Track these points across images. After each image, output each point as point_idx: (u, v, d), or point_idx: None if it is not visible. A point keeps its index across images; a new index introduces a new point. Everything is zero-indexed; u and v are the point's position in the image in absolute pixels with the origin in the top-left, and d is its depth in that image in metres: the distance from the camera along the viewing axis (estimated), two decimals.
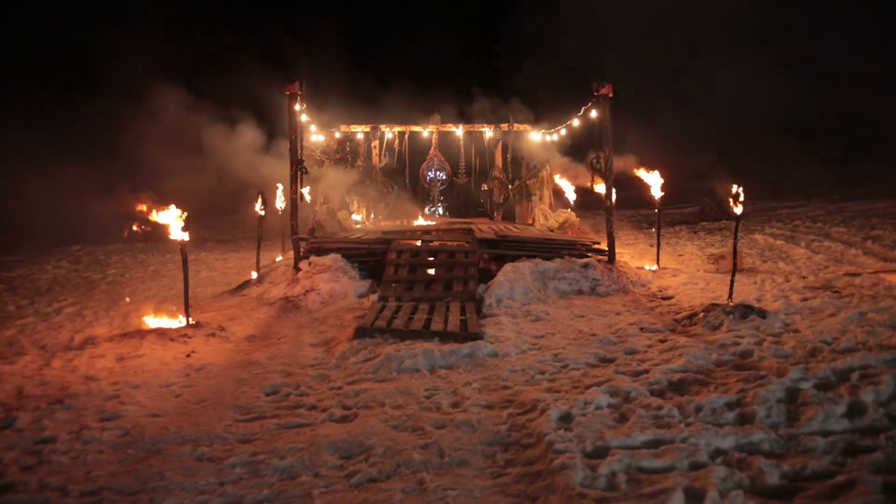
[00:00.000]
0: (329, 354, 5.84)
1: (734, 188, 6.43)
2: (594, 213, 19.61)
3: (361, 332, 6.05)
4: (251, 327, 7.04)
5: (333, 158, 12.43)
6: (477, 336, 5.90)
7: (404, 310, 6.90)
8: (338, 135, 13.72)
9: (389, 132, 14.52)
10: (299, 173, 8.66)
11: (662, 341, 5.87)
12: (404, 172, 14.76)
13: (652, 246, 13.25)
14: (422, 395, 4.66)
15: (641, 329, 6.35)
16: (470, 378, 5.04)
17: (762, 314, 6.32)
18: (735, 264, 6.69)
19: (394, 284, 7.86)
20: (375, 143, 14.54)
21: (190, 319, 6.80)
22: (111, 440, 3.99)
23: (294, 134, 8.67)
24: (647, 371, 4.96)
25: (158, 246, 16.17)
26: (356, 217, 13.17)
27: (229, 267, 12.21)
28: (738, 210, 6.45)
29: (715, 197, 18.17)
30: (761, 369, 4.75)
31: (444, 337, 5.95)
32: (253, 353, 6.01)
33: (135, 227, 17.75)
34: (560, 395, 4.47)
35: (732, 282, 6.66)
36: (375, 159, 14.42)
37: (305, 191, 13.05)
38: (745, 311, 6.32)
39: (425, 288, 7.81)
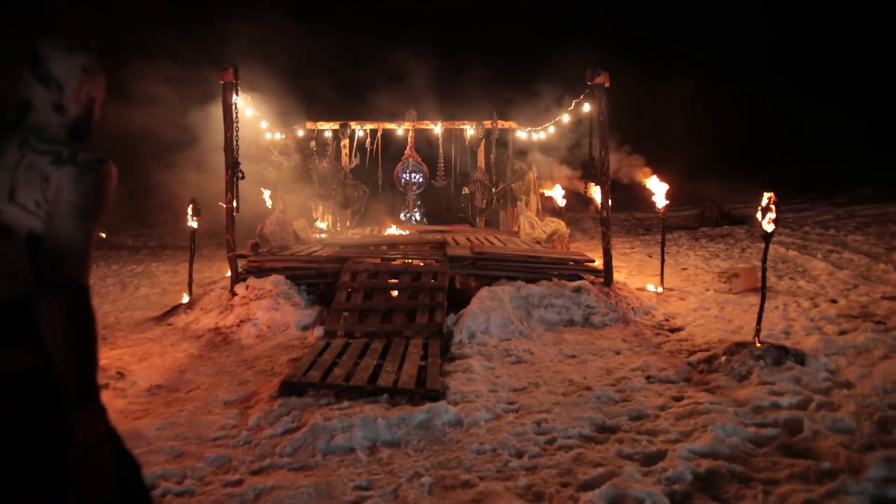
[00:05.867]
0: (243, 419, 4.45)
1: (765, 198, 5.09)
2: (583, 214, 18.31)
3: (288, 389, 4.67)
4: (161, 372, 5.64)
5: (293, 159, 10.99)
6: (436, 395, 4.53)
7: (351, 351, 5.51)
8: (301, 133, 12.30)
9: (360, 130, 13.14)
10: (235, 178, 7.24)
11: (677, 399, 4.55)
12: (377, 174, 13.38)
13: (650, 256, 11.94)
14: (347, 501, 3.29)
15: (648, 378, 5.02)
16: (420, 465, 3.67)
17: (799, 358, 5.01)
18: (764, 295, 5.34)
19: (345, 314, 6.47)
20: (345, 142, 13.15)
21: None
22: None
23: (229, 132, 7.25)
24: (661, 454, 3.62)
25: (121, 255, 14.79)
26: (321, 225, 11.75)
27: (175, 282, 10.77)
28: (770, 227, 5.10)
29: (717, 200, 16.95)
30: (822, 457, 3.42)
31: (395, 395, 4.58)
32: (146, 416, 4.61)
33: (102, 234, 16.26)
34: None
35: (760, 317, 5.32)
36: (345, 160, 13.02)
37: (266, 195, 11.62)
38: (779, 356, 5.00)
39: (382, 319, 6.42)
